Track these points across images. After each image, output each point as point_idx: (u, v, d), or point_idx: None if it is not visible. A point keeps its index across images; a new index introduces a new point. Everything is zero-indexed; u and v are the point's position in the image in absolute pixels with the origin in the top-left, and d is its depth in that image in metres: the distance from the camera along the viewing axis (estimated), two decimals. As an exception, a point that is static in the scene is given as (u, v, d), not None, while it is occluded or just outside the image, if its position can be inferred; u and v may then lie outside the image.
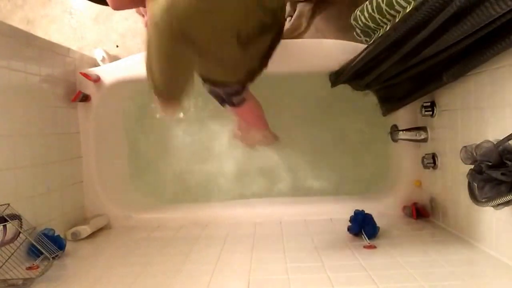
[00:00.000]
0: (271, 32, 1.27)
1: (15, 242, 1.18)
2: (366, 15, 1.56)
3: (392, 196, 1.69)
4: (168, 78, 1.11)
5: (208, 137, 2.03)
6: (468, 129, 1.22)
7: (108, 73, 1.74)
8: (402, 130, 1.61)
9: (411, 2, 1.26)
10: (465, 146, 1.04)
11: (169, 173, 2.02)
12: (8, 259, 1.16)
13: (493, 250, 1.13)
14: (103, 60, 1.88)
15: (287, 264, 1.16)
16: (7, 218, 1.12)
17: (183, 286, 1.06)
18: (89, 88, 1.72)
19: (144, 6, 1.19)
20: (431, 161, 1.49)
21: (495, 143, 0.96)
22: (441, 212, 1.46)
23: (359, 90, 1.66)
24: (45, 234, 1.30)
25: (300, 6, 1.85)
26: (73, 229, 1.53)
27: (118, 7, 1.26)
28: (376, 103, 1.75)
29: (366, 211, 1.38)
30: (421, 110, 1.50)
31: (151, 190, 1.97)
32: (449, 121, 1.36)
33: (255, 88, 1.98)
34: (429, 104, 1.47)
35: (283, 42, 1.75)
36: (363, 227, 1.33)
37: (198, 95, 2.02)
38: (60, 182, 1.56)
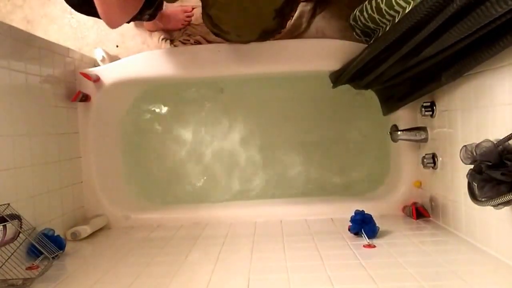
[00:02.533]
0: None
1: (15, 242, 1.18)
2: (366, 15, 1.56)
3: (392, 196, 1.69)
4: None
5: (208, 137, 2.03)
6: (468, 129, 1.22)
7: (108, 73, 1.74)
8: (402, 130, 1.61)
9: (410, 2, 1.26)
10: (465, 146, 1.04)
11: (168, 173, 2.02)
12: (8, 259, 1.16)
13: (493, 250, 1.13)
14: (103, 60, 1.88)
15: (287, 263, 1.16)
16: (7, 218, 1.12)
17: (182, 286, 1.06)
18: (89, 88, 1.72)
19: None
20: (431, 161, 1.49)
21: (495, 142, 0.96)
22: (441, 212, 1.46)
23: (361, 89, 1.67)
24: (45, 234, 1.30)
25: (300, 6, 1.85)
26: (73, 229, 1.53)
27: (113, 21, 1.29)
28: (376, 103, 1.75)
29: (366, 211, 1.38)
30: (421, 110, 1.50)
31: (151, 190, 1.97)
32: (449, 121, 1.36)
33: (255, 88, 1.99)
34: (429, 104, 1.47)
35: (283, 42, 1.76)
36: (363, 227, 1.34)
37: (196, 96, 2.03)
38: (60, 182, 1.56)
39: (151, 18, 1.61)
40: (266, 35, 1.60)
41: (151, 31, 1.95)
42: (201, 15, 1.60)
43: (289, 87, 1.99)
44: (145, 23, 1.94)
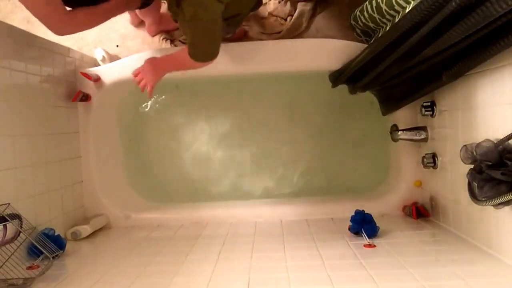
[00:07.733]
0: None
1: (16, 241, 1.18)
2: (366, 15, 1.56)
3: (392, 195, 1.69)
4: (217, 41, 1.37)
5: (208, 136, 2.03)
6: (468, 129, 1.22)
7: (108, 73, 1.74)
8: (402, 130, 1.61)
9: (410, 2, 1.26)
10: (465, 145, 1.04)
11: (168, 173, 2.02)
12: (8, 258, 1.16)
13: (493, 250, 1.13)
14: (103, 60, 1.88)
15: (287, 263, 1.16)
16: (8, 218, 1.12)
17: (183, 285, 1.06)
18: (89, 88, 1.72)
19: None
20: (431, 161, 1.49)
21: (495, 142, 0.96)
22: (441, 212, 1.46)
23: (359, 91, 1.66)
24: (45, 234, 1.30)
25: (300, 6, 1.85)
26: (74, 229, 1.53)
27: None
28: (376, 103, 1.75)
29: (366, 211, 1.39)
30: (421, 110, 1.50)
31: (151, 190, 1.96)
32: (449, 121, 1.36)
33: (255, 88, 1.99)
34: (429, 104, 1.47)
35: (283, 42, 1.76)
36: (363, 226, 1.34)
37: (195, 95, 2.03)
38: (60, 182, 1.56)
39: (143, 6, 1.62)
40: None
41: (153, 35, 1.94)
42: None
43: (289, 86, 1.99)
44: (147, 29, 1.94)
